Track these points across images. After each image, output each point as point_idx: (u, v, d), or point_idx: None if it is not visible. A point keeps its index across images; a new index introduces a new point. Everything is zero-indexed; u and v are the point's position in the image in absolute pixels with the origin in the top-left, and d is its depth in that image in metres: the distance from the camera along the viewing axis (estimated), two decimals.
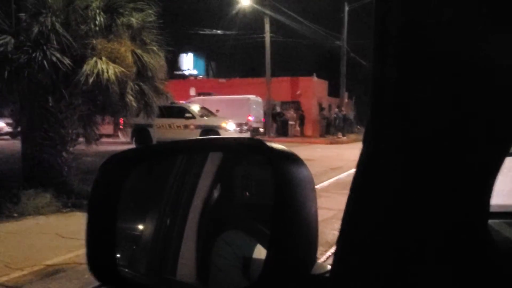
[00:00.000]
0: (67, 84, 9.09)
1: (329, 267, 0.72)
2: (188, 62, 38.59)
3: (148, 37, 10.07)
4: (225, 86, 32.32)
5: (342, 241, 0.57)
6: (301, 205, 0.73)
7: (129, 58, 8.99)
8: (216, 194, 1.05)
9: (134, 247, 1.10)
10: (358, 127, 36.46)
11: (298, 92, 32.48)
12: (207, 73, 39.93)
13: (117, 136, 21.18)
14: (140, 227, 1.12)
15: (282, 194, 0.74)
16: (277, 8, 29.11)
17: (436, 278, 0.50)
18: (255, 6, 28.69)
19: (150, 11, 10.04)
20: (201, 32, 33.25)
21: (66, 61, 8.51)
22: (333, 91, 35.74)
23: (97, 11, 9.18)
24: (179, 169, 1.11)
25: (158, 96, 10.48)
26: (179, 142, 1.12)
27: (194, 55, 38.52)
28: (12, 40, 8.34)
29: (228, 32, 33.04)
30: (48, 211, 8.19)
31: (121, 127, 20.65)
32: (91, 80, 8.46)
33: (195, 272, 1.00)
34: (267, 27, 29.30)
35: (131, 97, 9.16)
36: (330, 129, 31.08)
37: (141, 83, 9.78)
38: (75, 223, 7.36)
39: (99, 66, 8.54)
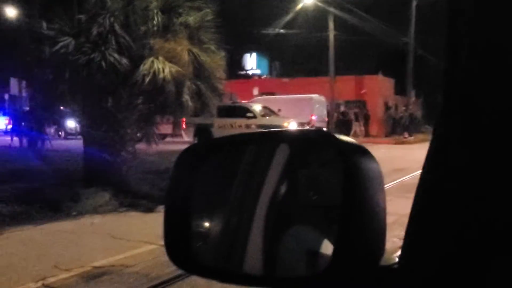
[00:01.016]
0: (126, 84, 9.13)
1: (397, 259, 0.75)
2: (251, 62, 38.58)
3: (205, 36, 9.93)
4: (288, 85, 31.97)
5: (411, 233, 0.60)
6: (370, 197, 0.74)
7: (185, 57, 8.88)
8: (283, 189, 1.04)
9: (204, 237, 1.10)
10: (427, 126, 34.96)
11: (363, 91, 31.58)
12: (270, 73, 39.73)
13: (176, 135, 21.39)
14: (210, 218, 1.13)
15: (351, 186, 0.75)
16: (341, 5, 28.43)
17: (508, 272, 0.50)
18: (318, 3, 28.15)
19: (208, 10, 9.88)
20: (264, 31, 33.09)
21: (124, 61, 8.53)
22: (400, 90, 34.47)
23: (155, 11, 9.16)
24: (248, 161, 1.10)
25: (215, 96, 10.31)
26: (249, 134, 1.17)
27: (258, 55, 38.44)
28: (73, 42, 8.46)
29: (291, 31, 32.67)
30: (105, 210, 8.24)
31: (183, 126, 20.99)
32: (147, 79, 8.42)
33: (261, 264, 1.00)
34: (330, 24, 28.70)
35: (187, 97, 9.05)
36: (396, 128, 30.00)
37: (199, 83, 9.65)
38: (128, 223, 7.34)
39: (155, 65, 8.50)
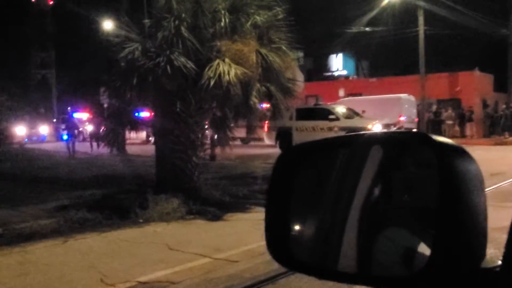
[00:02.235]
0: (195, 88, 8.91)
1: (499, 261, 0.73)
2: (337, 63, 37.61)
3: (276, 35, 9.46)
4: (375, 85, 30.70)
5: None
6: (468, 199, 0.74)
7: (253, 58, 8.47)
8: (377, 191, 1.03)
9: (302, 236, 1.12)
10: None
11: (457, 89, 29.47)
12: (357, 73, 38.48)
13: (250, 139, 21.06)
14: (306, 218, 1.13)
15: (450, 188, 0.75)
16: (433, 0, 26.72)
17: None
18: None
19: (278, 9, 9.41)
20: (350, 30, 32.02)
21: (190, 65, 8.30)
22: (501, 86, 31.79)
23: (223, 12, 8.86)
24: (341, 163, 1.11)
25: (288, 97, 9.82)
26: (342, 137, 1.14)
27: (344, 55, 37.38)
28: (140, 47, 8.37)
29: (378, 28, 31.31)
30: (171, 217, 8.03)
31: (265, 130, 20.69)
32: (212, 82, 8.11)
33: (356, 264, 1.01)
34: (420, 19, 27.10)
35: (255, 99, 8.65)
36: (496, 128, 27.63)
37: (268, 84, 9.21)
38: (191, 233, 7.04)
39: (220, 68, 8.17)
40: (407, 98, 24.77)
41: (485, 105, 29.84)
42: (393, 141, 1.02)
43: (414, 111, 25.45)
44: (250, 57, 8.46)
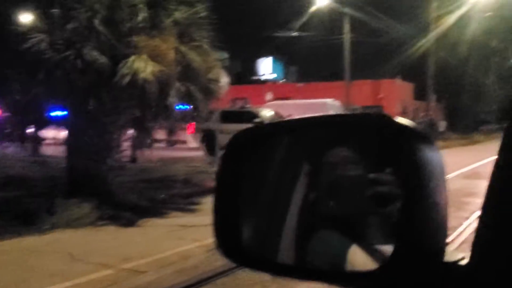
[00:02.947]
0: (109, 85, 8.38)
1: (461, 255, 0.74)
2: (266, 67, 37.81)
3: (197, 33, 9.13)
4: (303, 90, 31.16)
5: (482, 231, 0.59)
6: (433, 189, 0.71)
7: (171, 56, 8.10)
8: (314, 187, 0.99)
9: (253, 228, 1.04)
10: (446, 132, 33.66)
11: (380, 96, 30.51)
12: (285, 78, 38.89)
13: (174, 142, 20.58)
14: (256, 209, 1.05)
15: (416, 176, 0.72)
16: (359, 7, 27.46)
17: None
18: (334, 5, 27.24)
19: (200, 6, 9.10)
20: (279, 35, 32.29)
21: (103, 60, 7.78)
22: (421, 95, 33.28)
23: (141, 6, 8.41)
24: (283, 152, 1.05)
25: (209, 98, 9.51)
26: (297, 120, 1.02)
27: (273, 60, 37.66)
28: (47, 39, 7.75)
29: (305, 34, 31.80)
30: (81, 224, 7.47)
31: (190, 132, 20.23)
32: (126, 80, 7.65)
33: (294, 261, 0.99)
34: (346, 27, 27.75)
35: (173, 99, 8.26)
36: None
37: (189, 84, 8.85)
38: (99, 240, 6.55)
39: (136, 64, 7.73)
40: (332, 103, 25.22)
41: (403, 112, 31.06)
42: (349, 125, 0.93)
43: None
44: (168, 54, 8.08)
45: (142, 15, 8.24)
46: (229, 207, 0.97)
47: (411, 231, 0.71)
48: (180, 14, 8.81)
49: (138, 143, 11.09)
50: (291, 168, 1.05)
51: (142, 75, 7.61)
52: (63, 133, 22.58)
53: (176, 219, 8.22)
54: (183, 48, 8.46)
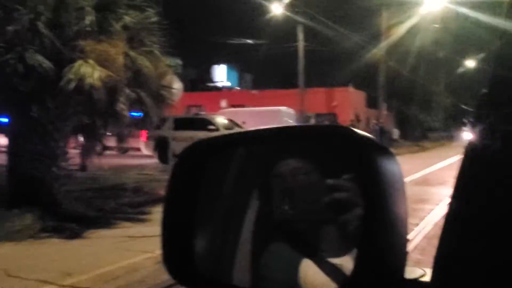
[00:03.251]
0: (54, 91, 8.00)
1: (421, 271, 0.74)
2: (221, 74, 37.68)
3: (148, 38, 8.89)
4: (257, 98, 31.18)
5: (444, 247, 0.58)
6: (394, 204, 0.70)
7: (120, 61, 7.82)
8: (268, 199, 0.97)
9: (205, 246, 0.98)
10: (399, 141, 34.45)
11: (334, 103, 30.92)
12: (240, 85, 38.87)
13: (127, 149, 20.09)
14: (209, 226, 1.01)
15: (377, 191, 0.70)
16: (312, 17, 27.77)
17: None
18: (288, 14, 27.43)
19: (151, 11, 8.86)
20: (234, 42, 32.23)
21: (47, 64, 7.42)
22: (373, 103, 33.94)
23: (89, 9, 8.10)
24: (239, 165, 1.03)
25: (160, 105, 9.26)
26: (247, 132, 1.03)
27: (227, 67, 37.58)
28: None
29: (260, 42, 31.88)
30: (21, 236, 7.05)
31: (143, 139, 19.81)
32: (72, 85, 7.32)
33: (250, 279, 0.95)
34: (300, 35, 27.99)
35: (122, 106, 7.97)
36: None
37: (139, 90, 8.59)
38: (40, 254, 6.18)
39: (82, 69, 7.41)
40: (286, 111, 25.33)
41: (357, 119, 31.59)
42: (310, 137, 0.91)
43: (294, 123, 26.11)
44: (117, 60, 7.80)
45: (89, 19, 7.92)
46: (179, 221, 0.91)
47: (371, 247, 0.69)
48: (130, 18, 8.55)
49: (88, 151, 10.69)
50: (246, 180, 1.01)
51: (88, 81, 7.30)
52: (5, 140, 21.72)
53: (125, 229, 7.92)
54: (133, 53, 8.20)
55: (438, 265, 0.59)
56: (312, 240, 0.89)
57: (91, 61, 7.57)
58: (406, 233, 0.71)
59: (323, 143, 0.90)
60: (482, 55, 38.44)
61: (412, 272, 0.74)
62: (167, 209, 0.91)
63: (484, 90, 0.61)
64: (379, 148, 0.73)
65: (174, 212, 0.91)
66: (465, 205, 0.58)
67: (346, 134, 0.77)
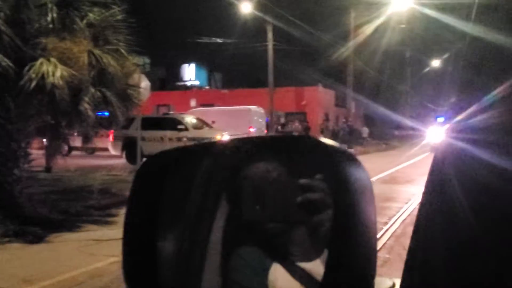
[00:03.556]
0: (14, 90, 7.70)
1: (390, 282, 0.75)
2: (190, 73, 37.35)
3: (113, 36, 8.66)
4: (227, 97, 31.03)
5: (413, 258, 0.58)
6: (363, 211, 0.70)
7: (84, 60, 7.58)
8: (237, 205, 0.96)
9: (167, 258, 0.96)
10: (368, 139, 34.83)
11: (303, 103, 31.02)
12: (209, 84, 38.63)
13: (94, 149, 19.73)
14: (173, 236, 0.99)
15: (345, 199, 0.71)
16: (281, 16, 27.78)
17: None
18: (257, 13, 27.36)
19: (116, 8, 8.63)
20: (203, 41, 31.99)
21: (6, 63, 7.13)
22: (342, 102, 34.22)
23: (50, 5, 7.83)
24: (206, 173, 1.01)
25: (127, 105, 9.04)
26: (206, 144, 1.09)
27: (196, 66, 37.27)
28: None
29: (229, 40, 31.73)
30: None
31: (110, 139, 19.44)
32: (33, 85, 7.05)
33: (219, 285, 0.93)
34: (269, 35, 27.96)
35: (87, 105, 7.73)
36: (336, 141, 29.54)
37: (104, 89, 8.35)
38: None
39: (44, 68, 7.14)
40: (256, 110, 25.27)
41: (326, 118, 31.78)
42: (278, 148, 0.92)
43: (264, 122, 26.07)
44: (81, 58, 7.56)
45: (51, 16, 7.67)
46: (142, 235, 0.87)
47: (341, 254, 0.69)
48: (94, 15, 8.31)
49: (52, 152, 10.39)
50: (215, 184, 0.99)
51: (50, 80, 7.04)
52: None
53: (91, 232, 7.69)
54: (97, 52, 7.96)
55: (406, 277, 0.58)
56: (282, 243, 0.88)
57: (53, 59, 7.32)
58: (376, 242, 0.70)
59: (293, 153, 0.89)
60: (446, 55, 39.25)
61: (381, 283, 0.72)
62: (128, 221, 0.88)
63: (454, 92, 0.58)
64: (347, 157, 0.74)
65: (135, 223, 0.88)
66: (435, 212, 0.57)
67: (315, 144, 0.78)
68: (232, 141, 0.99)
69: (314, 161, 0.80)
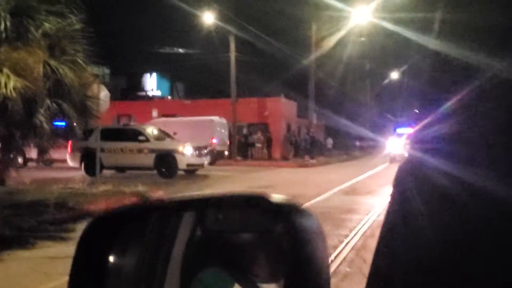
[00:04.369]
0: None
1: None
2: (151, 83, 36.97)
3: (70, 47, 8.45)
4: (190, 107, 30.80)
5: (376, 274, 0.60)
6: (315, 260, 0.74)
7: (39, 71, 7.37)
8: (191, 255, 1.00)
9: None
10: (331, 149, 35.25)
11: (266, 113, 31.12)
12: (172, 94, 38.33)
13: (52, 161, 19.20)
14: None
15: (297, 251, 0.75)
16: (244, 28, 27.90)
17: None
18: (220, 24, 27.38)
19: (73, 18, 8.43)
20: (165, 51, 31.75)
21: None
22: (304, 113, 34.49)
23: (3, 14, 7.57)
24: (153, 231, 1.03)
25: (84, 116, 8.82)
26: (155, 202, 1.18)
27: (158, 76, 36.94)
28: None
29: (192, 51, 31.61)
30: None
31: (69, 151, 18.95)
32: None
33: None
34: (232, 46, 28.02)
35: (42, 118, 7.49)
36: (299, 151, 29.73)
37: (61, 101, 8.12)
38: None
39: None
40: (219, 121, 25.20)
41: (288, 129, 31.98)
42: (227, 204, 0.95)
43: (226, 133, 26.00)
44: (35, 69, 7.35)
45: (4, 24, 7.42)
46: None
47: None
48: (50, 25, 8.10)
49: (6, 164, 10.02)
50: (165, 243, 1.01)
51: (2, 91, 6.79)
52: None
53: (46, 249, 7.39)
54: (53, 63, 7.76)
55: None
56: (243, 263, 0.90)
57: (6, 70, 7.08)
58: (329, 281, 0.73)
59: (247, 209, 0.93)
60: (404, 67, 40.23)
61: None
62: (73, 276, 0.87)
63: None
64: (296, 208, 0.79)
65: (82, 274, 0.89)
66: (398, 223, 0.58)
67: (267, 201, 0.81)
68: (186, 201, 1.02)
69: (268, 216, 0.86)
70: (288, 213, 0.78)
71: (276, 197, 0.81)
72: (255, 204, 0.87)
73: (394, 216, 0.61)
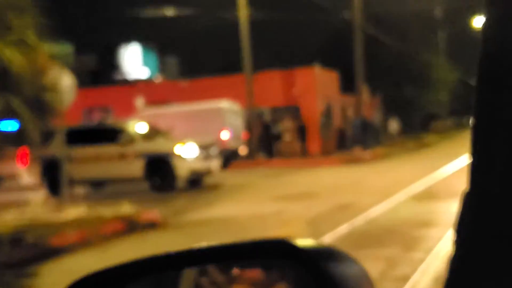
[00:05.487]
0: None
1: None
2: (133, 60, 37.29)
3: (17, 21, 8.68)
4: (188, 90, 31.02)
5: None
6: None
7: None
8: None
9: None
10: (394, 135, 35.19)
11: (295, 91, 31.09)
12: (162, 73, 38.68)
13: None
14: None
15: None
16: None
17: None
18: None
19: None
20: (148, 16, 32.01)
21: None
22: (348, 86, 34.37)
23: None
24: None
25: (42, 114, 9.07)
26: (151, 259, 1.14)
27: (142, 48, 37.29)
28: None
29: (186, 12, 31.77)
30: None
31: (26, 163, 19.30)
32: None
33: None
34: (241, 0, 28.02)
35: None
36: (346, 142, 29.75)
37: (8, 95, 8.36)
38: None
39: None
40: (229, 107, 25.33)
41: (329, 111, 31.90)
42: (244, 256, 1.02)
43: (241, 124, 26.10)
44: None
45: None
46: None
47: None
48: None
49: None
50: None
51: None
52: None
53: None
54: None
55: None
56: None
57: None
58: None
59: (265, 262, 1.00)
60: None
61: None
62: None
63: None
64: (328, 254, 0.87)
65: None
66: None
67: (285, 248, 0.88)
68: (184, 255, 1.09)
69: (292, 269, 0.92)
70: (318, 261, 0.84)
71: (302, 241, 0.86)
72: (273, 253, 0.94)
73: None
